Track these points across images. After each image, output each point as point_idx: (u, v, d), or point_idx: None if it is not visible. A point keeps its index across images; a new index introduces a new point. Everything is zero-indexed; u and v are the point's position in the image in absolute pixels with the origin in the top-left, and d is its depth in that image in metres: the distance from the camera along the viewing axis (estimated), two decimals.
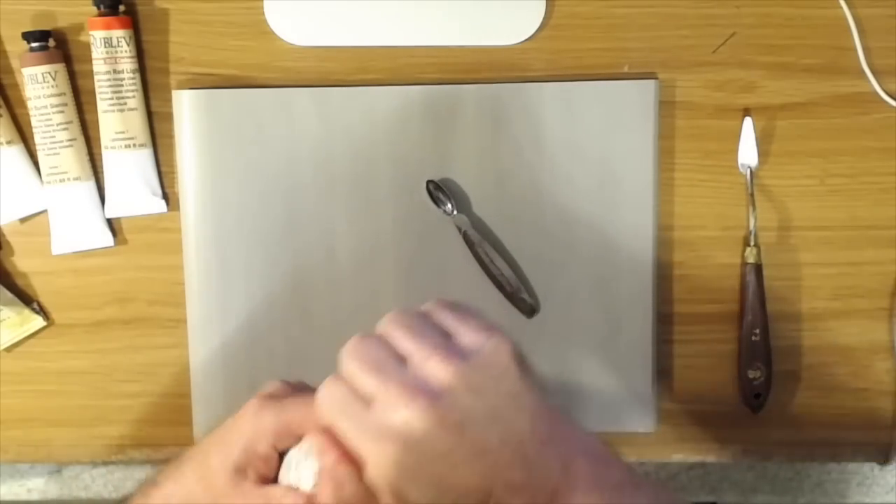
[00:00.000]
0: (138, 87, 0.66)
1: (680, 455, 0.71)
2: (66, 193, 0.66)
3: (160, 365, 0.69)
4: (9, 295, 0.67)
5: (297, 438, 0.51)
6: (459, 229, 0.64)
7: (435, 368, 0.46)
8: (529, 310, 0.65)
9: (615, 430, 0.69)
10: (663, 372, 0.69)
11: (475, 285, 0.67)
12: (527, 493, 0.46)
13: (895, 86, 0.67)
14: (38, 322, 0.68)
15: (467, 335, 0.48)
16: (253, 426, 0.51)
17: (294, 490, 0.49)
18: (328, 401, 0.48)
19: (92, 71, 0.65)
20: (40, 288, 0.68)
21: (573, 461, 0.48)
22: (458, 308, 0.50)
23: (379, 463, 0.45)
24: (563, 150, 0.66)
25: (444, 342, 0.48)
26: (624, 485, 0.49)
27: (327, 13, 0.66)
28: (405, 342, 0.48)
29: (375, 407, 0.46)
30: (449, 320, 0.49)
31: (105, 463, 0.71)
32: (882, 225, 0.68)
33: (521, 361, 0.49)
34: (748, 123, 0.65)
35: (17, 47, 0.66)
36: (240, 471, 0.50)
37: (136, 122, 0.66)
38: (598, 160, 0.66)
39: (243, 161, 0.66)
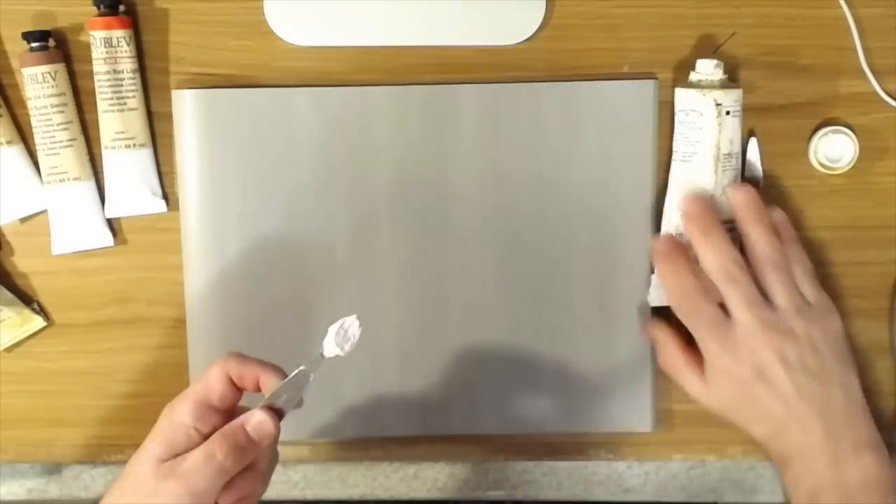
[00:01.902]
0: (138, 87, 0.66)
1: (680, 455, 0.71)
2: (66, 193, 0.66)
3: (160, 365, 0.69)
4: (9, 295, 0.67)
5: (254, 384, 0.54)
6: None
7: (796, 322, 0.59)
8: None
9: (614, 430, 0.69)
10: (663, 372, 0.68)
11: (475, 286, 0.67)
12: (815, 451, 0.58)
13: (895, 86, 0.67)
14: (38, 322, 0.68)
15: (820, 305, 0.61)
16: (217, 364, 0.55)
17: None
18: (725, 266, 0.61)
19: (92, 71, 0.65)
20: (40, 288, 0.68)
21: (864, 454, 0.58)
22: (806, 265, 0.63)
23: (721, 364, 0.60)
24: (562, 150, 0.66)
25: (803, 304, 0.60)
26: (888, 489, 0.57)
27: (327, 13, 0.66)
28: (777, 289, 0.60)
29: (742, 330, 0.59)
30: (801, 273, 0.62)
31: (105, 463, 0.71)
32: (882, 225, 0.68)
33: (846, 342, 0.61)
34: (753, 144, 0.66)
35: (17, 47, 0.66)
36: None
37: (136, 122, 0.66)
38: (597, 160, 0.66)
39: (243, 161, 0.66)
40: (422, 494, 0.73)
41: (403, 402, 0.68)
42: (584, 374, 0.68)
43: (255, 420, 0.53)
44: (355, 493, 0.73)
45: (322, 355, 0.55)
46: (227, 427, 0.53)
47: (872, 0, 0.66)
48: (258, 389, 0.55)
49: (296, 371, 0.54)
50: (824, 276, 0.68)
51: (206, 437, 0.53)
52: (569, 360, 0.68)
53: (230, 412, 0.55)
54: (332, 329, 0.55)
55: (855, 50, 0.66)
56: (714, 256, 0.60)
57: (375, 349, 0.67)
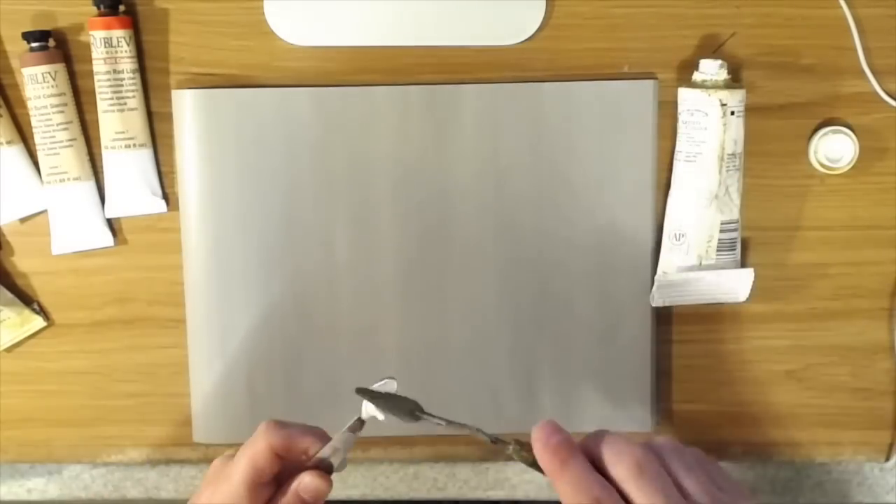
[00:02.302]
0: (138, 87, 0.66)
1: None
2: (66, 193, 0.66)
3: (160, 365, 0.69)
4: (9, 295, 0.67)
5: (302, 452, 0.51)
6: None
7: None
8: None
9: (614, 431, 0.69)
10: (663, 372, 0.69)
11: (475, 285, 0.67)
12: None
13: (895, 86, 0.67)
14: (38, 322, 0.68)
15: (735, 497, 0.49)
16: (260, 439, 0.51)
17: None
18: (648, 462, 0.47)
19: (92, 71, 0.65)
20: (40, 288, 0.68)
21: None
22: (720, 476, 0.50)
23: None
24: (562, 150, 0.66)
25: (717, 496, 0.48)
26: None
27: (327, 13, 0.66)
28: (687, 480, 0.48)
29: None
30: (719, 479, 0.49)
31: (105, 463, 0.71)
32: (882, 225, 0.68)
33: None
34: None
35: (17, 47, 0.66)
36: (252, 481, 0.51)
37: (136, 122, 0.66)
38: (597, 160, 0.66)
39: (243, 161, 0.66)
40: (422, 494, 0.73)
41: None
42: (584, 375, 0.68)
43: (306, 482, 0.51)
44: (355, 493, 0.73)
45: (361, 419, 0.53)
46: (283, 502, 0.51)
47: (872, 0, 0.66)
48: (304, 458, 0.53)
49: (341, 432, 0.52)
50: (824, 276, 0.69)
51: None
52: (569, 361, 0.68)
53: (276, 481, 0.53)
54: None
55: (855, 50, 0.66)
56: (574, 493, 0.47)
57: (376, 349, 0.67)
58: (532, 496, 0.73)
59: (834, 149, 0.67)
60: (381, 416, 0.53)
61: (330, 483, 0.52)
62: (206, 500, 0.52)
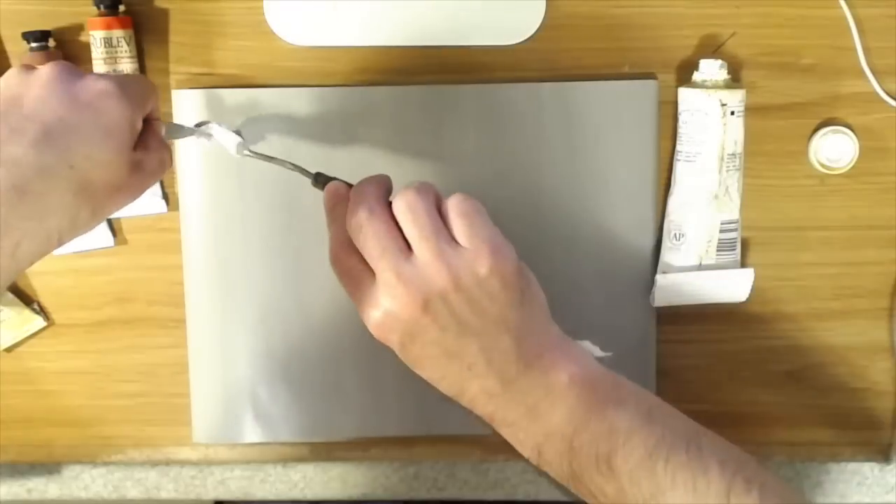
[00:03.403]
0: None
1: None
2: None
3: (160, 365, 0.69)
4: (9, 295, 0.67)
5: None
6: None
7: (438, 268, 0.50)
8: None
9: None
10: (663, 372, 0.69)
11: None
12: (502, 403, 0.52)
13: (895, 86, 0.67)
14: (38, 322, 0.68)
15: (474, 245, 0.51)
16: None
17: None
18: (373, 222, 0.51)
19: (92, 71, 0.65)
20: (40, 288, 0.68)
21: (557, 385, 0.52)
22: (474, 216, 0.52)
23: (367, 324, 0.52)
24: (562, 151, 0.66)
25: (452, 247, 0.51)
26: (607, 400, 0.52)
27: (327, 13, 0.66)
28: (414, 231, 0.51)
29: (378, 283, 0.51)
30: (462, 225, 0.52)
31: (105, 463, 0.71)
32: (882, 225, 0.68)
33: (520, 280, 0.52)
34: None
35: (17, 47, 0.66)
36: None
37: None
38: (597, 160, 0.66)
39: (243, 161, 0.66)
40: (422, 494, 0.73)
41: (403, 401, 0.68)
42: None
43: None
44: (355, 493, 0.73)
45: (210, 134, 0.62)
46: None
47: (872, 0, 0.66)
48: None
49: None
50: (824, 276, 0.69)
51: None
52: None
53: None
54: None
55: (855, 50, 0.66)
56: (351, 215, 0.52)
57: (375, 348, 0.67)
58: (532, 496, 0.73)
59: (834, 149, 0.67)
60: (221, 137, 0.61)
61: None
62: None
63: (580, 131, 0.66)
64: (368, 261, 0.51)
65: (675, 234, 0.65)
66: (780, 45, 0.67)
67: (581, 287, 0.67)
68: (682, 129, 0.65)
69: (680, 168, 0.65)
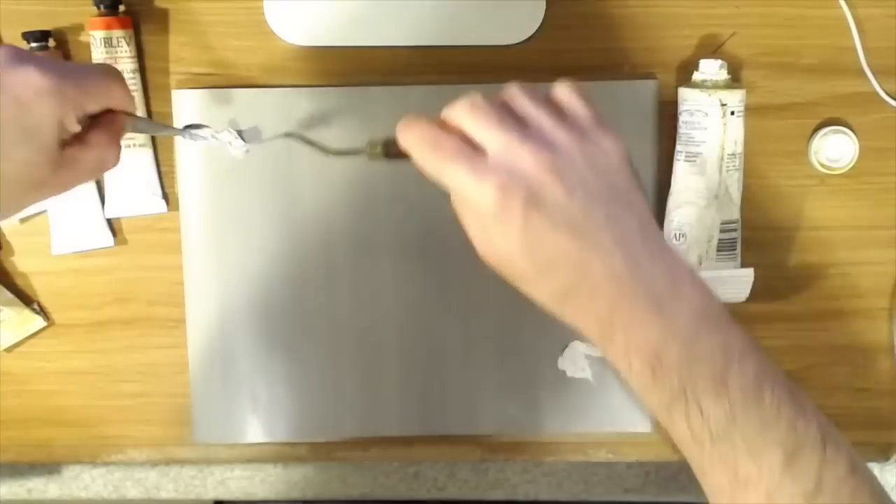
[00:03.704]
0: (138, 87, 0.66)
1: (680, 455, 0.70)
2: (66, 193, 0.66)
3: (160, 365, 0.69)
4: (9, 295, 0.67)
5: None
6: None
7: (559, 133, 0.46)
8: None
9: (614, 431, 0.69)
10: None
11: (474, 286, 0.67)
12: (627, 291, 0.45)
13: (895, 86, 0.67)
14: (38, 322, 0.68)
15: (590, 121, 0.48)
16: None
17: None
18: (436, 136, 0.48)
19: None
20: (40, 288, 0.68)
21: (681, 281, 0.46)
22: (584, 93, 0.49)
23: (481, 200, 0.45)
24: None
25: (569, 120, 0.48)
26: (721, 316, 0.47)
27: (327, 13, 0.66)
28: (529, 108, 0.47)
29: (495, 152, 0.46)
30: (573, 104, 0.49)
31: (105, 463, 0.71)
32: (882, 225, 0.68)
33: (633, 168, 0.48)
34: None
35: None
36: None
37: None
38: None
39: (243, 161, 0.66)
40: (422, 494, 0.73)
41: (403, 402, 0.68)
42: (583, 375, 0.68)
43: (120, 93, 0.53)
44: (355, 493, 0.73)
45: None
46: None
47: (872, 0, 0.66)
48: None
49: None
50: (824, 276, 0.68)
51: None
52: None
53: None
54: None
55: (855, 50, 0.66)
56: (453, 107, 0.49)
57: (375, 349, 0.67)
58: (532, 496, 0.73)
59: (834, 149, 0.67)
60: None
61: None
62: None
63: None
64: (482, 136, 0.47)
65: (676, 234, 0.65)
66: (780, 45, 0.67)
67: None
68: (682, 129, 0.65)
69: (680, 168, 0.65)
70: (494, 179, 0.45)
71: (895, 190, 0.68)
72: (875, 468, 0.73)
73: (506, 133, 0.46)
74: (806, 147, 0.67)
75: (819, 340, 0.69)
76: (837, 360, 0.69)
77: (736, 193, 0.65)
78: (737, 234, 0.66)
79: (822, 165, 0.67)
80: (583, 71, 0.67)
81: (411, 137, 0.49)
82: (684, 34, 0.66)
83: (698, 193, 0.65)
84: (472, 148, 0.47)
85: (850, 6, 0.66)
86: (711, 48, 0.66)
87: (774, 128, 0.67)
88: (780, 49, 0.67)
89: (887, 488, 0.73)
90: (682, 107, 0.65)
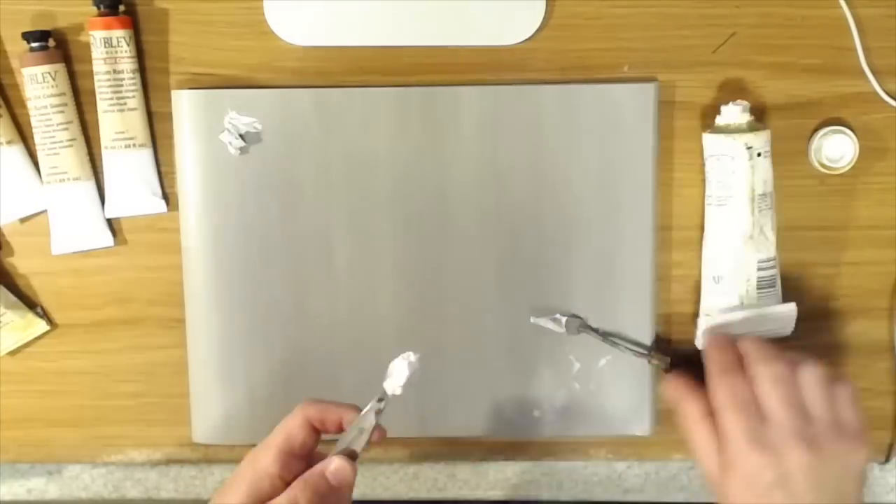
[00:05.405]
0: (138, 87, 0.66)
1: (680, 455, 0.71)
2: (66, 193, 0.66)
3: (160, 365, 0.69)
4: (12, 298, 0.67)
5: (336, 425, 0.56)
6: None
7: (827, 435, 0.56)
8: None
9: (613, 433, 0.69)
10: (665, 373, 0.69)
11: (474, 287, 0.67)
12: None
13: (895, 86, 0.67)
14: (41, 326, 0.68)
15: (854, 430, 0.57)
16: (297, 412, 0.56)
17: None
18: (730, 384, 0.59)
19: (92, 71, 0.65)
20: (40, 288, 0.68)
21: None
22: (835, 386, 0.59)
23: (747, 463, 0.56)
24: (562, 152, 0.66)
25: (816, 424, 0.57)
26: None
27: (327, 13, 0.66)
28: (778, 401, 0.57)
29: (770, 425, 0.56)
30: (821, 397, 0.58)
31: (105, 463, 0.71)
32: (882, 225, 0.68)
33: (865, 474, 0.57)
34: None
35: (17, 47, 0.66)
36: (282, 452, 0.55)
37: (136, 122, 0.66)
38: (597, 161, 0.66)
39: (243, 161, 0.66)
40: (422, 494, 0.73)
41: (403, 402, 0.68)
42: (583, 378, 0.68)
43: (335, 466, 0.54)
44: (355, 493, 0.73)
45: (386, 394, 0.57)
46: (308, 475, 0.54)
47: (872, 0, 0.66)
48: (339, 430, 0.57)
49: (365, 410, 0.56)
50: (825, 276, 0.68)
51: (287, 483, 0.54)
52: (568, 363, 0.68)
53: (309, 457, 0.56)
54: (395, 367, 0.57)
55: (855, 50, 0.66)
56: (729, 392, 0.59)
57: (375, 349, 0.67)
58: (532, 496, 0.73)
59: (834, 149, 0.67)
60: (399, 390, 0.57)
61: (355, 469, 0.55)
62: (243, 466, 0.55)
63: (580, 133, 0.66)
64: (772, 408, 0.57)
65: (714, 277, 0.65)
66: (780, 45, 0.67)
67: (580, 289, 0.67)
68: (710, 174, 0.65)
69: (712, 213, 0.65)
70: (753, 427, 0.56)
71: (895, 190, 0.68)
72: (875, 469, 0.73)
73: (790, 418, 0.56)
74: (806, 147, 0.67)
75: (819, 340, 0.69)
76: (837, 360, 0.69)
77: (770, 232, 0.65)
78: (775, 272, 0.65)
79: (822, 165, 0.67)
80: (583, 71, 0.67)
81: (713, 364, 0.61)
82: (684, 34, 0.66)
83: (732, 236, 0.64)
84: (752, 395, 0.58)
85: (850, 6, 0.66)
86: (711, 48, 0.66)
87: (774, 128, 0.67)
88: (780, 49, 0.67)
89: (887, 488, 0.73)
90: (707, 152, 0.65)
